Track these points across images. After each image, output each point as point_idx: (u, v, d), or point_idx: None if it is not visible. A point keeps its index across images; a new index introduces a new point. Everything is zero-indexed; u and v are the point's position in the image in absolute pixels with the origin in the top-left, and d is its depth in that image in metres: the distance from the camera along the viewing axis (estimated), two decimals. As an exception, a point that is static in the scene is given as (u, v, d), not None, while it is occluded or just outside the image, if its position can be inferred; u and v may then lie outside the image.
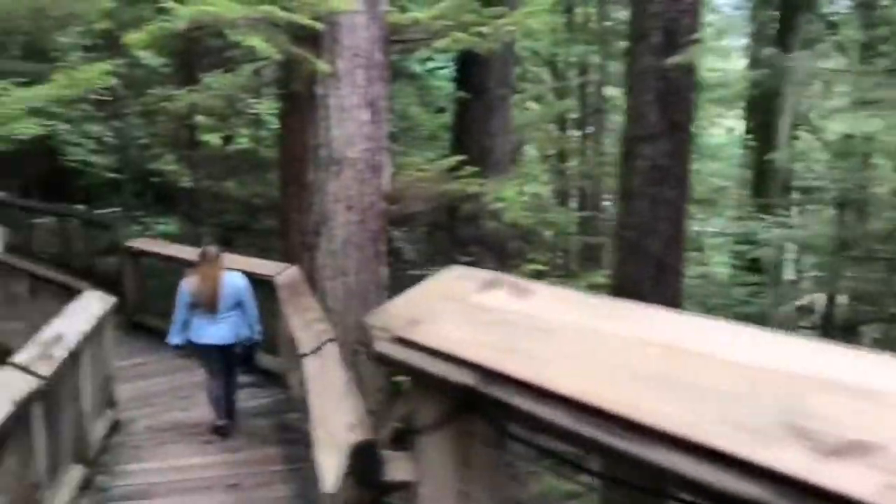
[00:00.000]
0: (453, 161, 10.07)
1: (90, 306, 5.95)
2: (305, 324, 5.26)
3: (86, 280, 11.41)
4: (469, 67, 11.43)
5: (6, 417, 3.81)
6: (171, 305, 9.12)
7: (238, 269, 8.11)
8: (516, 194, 9.80)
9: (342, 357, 4.99)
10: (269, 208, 19.75)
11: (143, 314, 9.78)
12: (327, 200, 8.62)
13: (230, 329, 6.24)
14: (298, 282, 6.87)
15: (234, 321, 6.27)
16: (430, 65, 15.69)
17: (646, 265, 8.22)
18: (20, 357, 4.42)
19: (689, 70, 8.38)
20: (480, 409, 1.37)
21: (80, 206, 16.99)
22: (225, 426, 6.36)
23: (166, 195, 20.93)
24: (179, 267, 8.94)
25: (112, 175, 20.41)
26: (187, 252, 8.99)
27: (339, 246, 8.70)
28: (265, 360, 7.85)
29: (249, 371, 7.91)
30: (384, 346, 1.42)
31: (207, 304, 6.15)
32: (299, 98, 8.51)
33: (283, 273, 7.36)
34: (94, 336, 5.80)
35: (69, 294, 7.02)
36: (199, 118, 18.18)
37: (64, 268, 13.28)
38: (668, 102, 8.20)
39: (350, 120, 8.58)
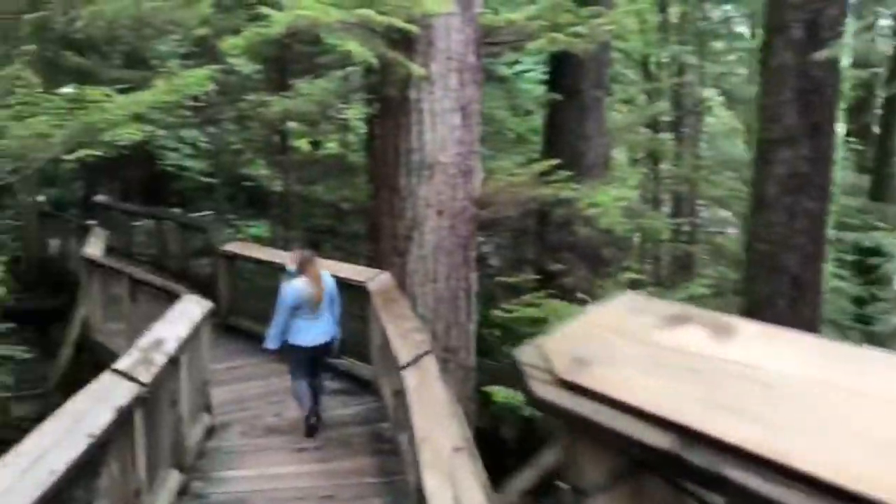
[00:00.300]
0: (545, 165, 9.79)
1: (189, 311, 5.96)
2: (402, 333, 5.10)
3: (181, 282, 11.68)
4: (562, 69, 11.12)
5: (109, 423, 3.78)
6: (264, 308, 9.18)
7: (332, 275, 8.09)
8: (612, 199, 9.42)
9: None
10: (356, 212, 19.92)
11: (236, 316, 9.87)
12: (418, 205, 8.49)
13: (328, 328, 6.37)
14: (392, 288, 6.74)
15: (329, 320, 6.39)
16: (518, 67, 15.43)
17: (781, 283, 7.65)
18: (122, 363, 4.41)
19: (832, 66, 7.79)
20: (664, 469, 1.12)
21: (176, 210, 17.48)
22: (317, 424, 6.46)
23: (257, 199, 21.37)
24: (272, 271, 8.98)
25: (206, 179, 20.98)
26: (280, 256, 9.02)
27: (430, 251, 8.56)
28: (356, 367, 7.77)
29: (338, 376, 7.85)
30: (544, 390, 1.20)
31: (312, 306, 6.22)
32: (391, 102, 8.41)
33: (375, 279, 7.25)
34: (192, 341, 5.80)
35: (167, 297, 7.09)
36: (291, 124, 18.52)
37: (160, 270, 13.66)
38: (808, 102, 7.61)
39: (442, 124, 8.44)
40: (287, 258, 6.89)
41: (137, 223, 16.32)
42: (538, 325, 9.40)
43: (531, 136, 12.45)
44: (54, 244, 16.14)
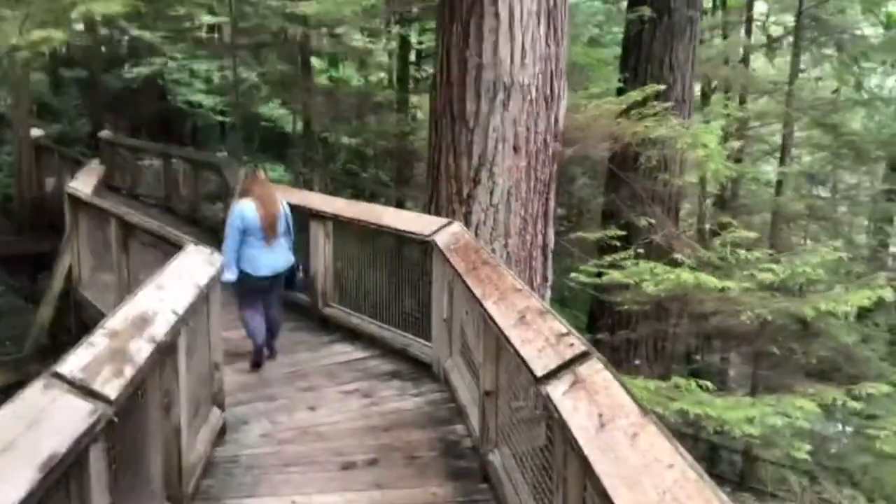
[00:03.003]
0: (637, 95, 7.76)
1: (193, 270, 4.04)
2: (519, 317, 3.21)
3: (191, 228, 9.77)
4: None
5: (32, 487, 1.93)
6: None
7: (378, 225, 6.16)
8: (718, 140, 7.42)
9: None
10: (382, 155, 17.92)
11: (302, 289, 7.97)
12: (489, 138, 6.49)
13: (284, 255, 5.79)
14: (473, 245, 4.80)
15: (285, 246, 5.80)
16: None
17: None
18: (72, 363, 2.52)
19: None
20: None
21: (188, 149, 15.48)
22: (265, 359, 5.80)
23: (274, 141, 19.40)
24: (299, 217, 7.10)
25: (220, 118, 19.00)
26: (308, 199, 7.09)
27: (501, 198, 6.59)
28: (413, 344, 5.89)
29: (389, 354, 6.00)
30: None
31: (269, 230, 5.57)
32: (461, 4, 6.36)
33: (442, 231, 5.30)
34: (196, 314, 3.91)
35: (169, 247, 5.17)
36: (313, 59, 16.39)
37: (168, 213, 11.74)
38: None
39: (523, 33, 6.40)
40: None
41: (144, 162, 14.33)
42: (625, 290, 7.49)
43: (601, 64, 10.28)
44: (51, 182, 14.17)
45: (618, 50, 10.92)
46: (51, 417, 2.24)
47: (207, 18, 17.34)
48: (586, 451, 2.22)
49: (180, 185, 12.38)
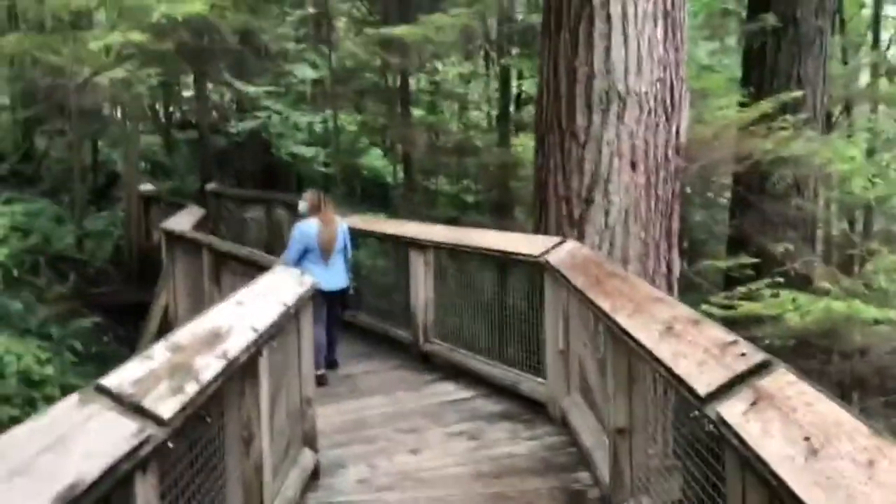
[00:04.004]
0: (767, 106, 6.99)
1: (279, 286, 3.61)
2: (665, 329, 2.56)
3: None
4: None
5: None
6: (390, 299, 7.01)
7: (483, 249, 5.62)
8: (860, 157, 6.53)
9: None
10: (481, 203, 17.56)
11: (352, 310, 7.57)
12: (603, 153, 5.88)
13: (342, 275, 5.98)
14: (595, 259, 4.17)
15: (342, 267, 6.01)
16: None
17: None
18: (119, 376, 2.07)
19: None
20: None
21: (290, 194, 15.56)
22: (325, 375, 5.79)
23: (375, 191, 19.42)
24: (399, 247, 6.67)
25: (322, 169, 19.20)
26: (409, 230, 6.65)
27: (618, 219, 5.93)
28: (523, 380, 5.25)
29: (498, 393, 5.37)
30: None
31: (325, 249, 5.83)
32: (569, 10, 5.87)
33: (556, 250, 4.69)
34: (282, 335, 3.46)
35: (258, 272, 4.80)
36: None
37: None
38: None
39: (639, 37, 5.82)
40: (304, 196, 6.18)
41: (249, 215, 14.48)
42: (762, 324, 6.60)
43: (718, 80, 9.49)
44: (159, 235, 14.46)
45: (732, 73, 10.16)
46: (84, 436, 1.77)
47: (309, 73, 17.70)
48: (797, 489, 1.54)
49: (283, 230, 12.29)
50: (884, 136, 10.31)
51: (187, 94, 23.34)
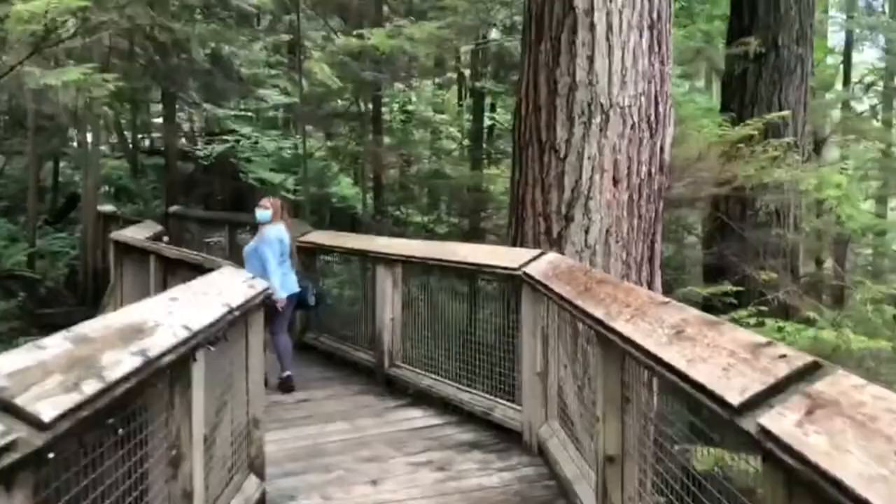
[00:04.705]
0: (748, 130, 6.73)
1: (224, 288, 3.13)
2: (674, 333, 2.14)
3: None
4: (750, 14, 8.08)
5: None
6: (350, 321, 6.63)
7: (456, 262, 5.20)
8: (849, 182, 6.27)
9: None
10: (453, 233, 17.20)
11: (313, 331, 7.07)
12: (584, 168, 5.53)
13: (295, 278, 5.92)
14: (581, 267, 3.76)
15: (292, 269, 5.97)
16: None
17: None
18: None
19: None
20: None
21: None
22: (291, 377, 5.74)
23: (344, 220, 18.99)
24: (365, 264, 6.23)
25: (291, 196, 18.75)
26: (376, 244, 6.21)
27: (598, 238, 5.56)
28: (497, 407, 4.78)
29: (467, 420, 4.90)
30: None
31: (291, 254, 5.88)
32: (549, 11, 5.55)
33: (536, 262, 4.28)
34: (225, 339, 2.97)
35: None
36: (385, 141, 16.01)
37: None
38: None
39: (623, 47, 5.52)
40: (263, 203, 6.00)
41: (211, 239, 13.92)
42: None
43: (697, 110, 9.27)
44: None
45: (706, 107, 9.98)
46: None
47: (280, 98, 17.37)
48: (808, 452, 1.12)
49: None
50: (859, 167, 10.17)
51: (157, 120, 22.95)
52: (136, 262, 6.24)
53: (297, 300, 5.91)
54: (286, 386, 5.68)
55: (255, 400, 3.53)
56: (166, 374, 2.25)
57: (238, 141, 17.66)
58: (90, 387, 1.72)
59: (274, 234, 5.70)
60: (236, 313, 2.95)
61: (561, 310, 3.66)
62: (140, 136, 24.31)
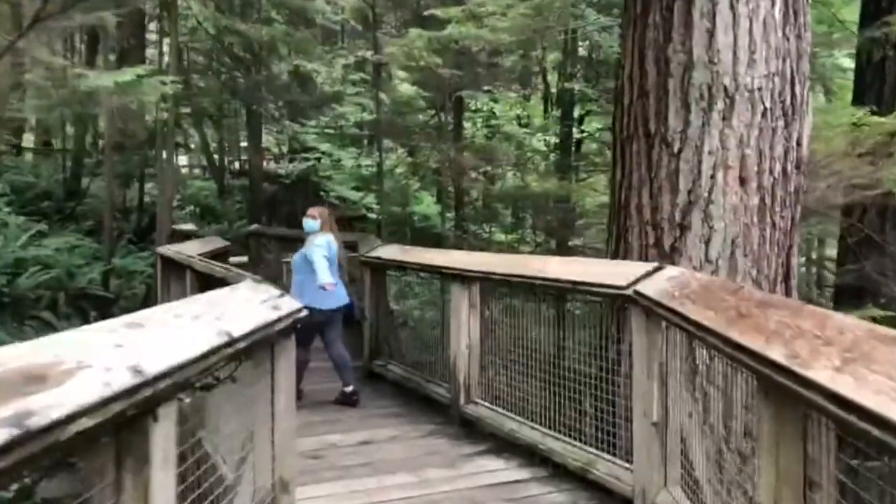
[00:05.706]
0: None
1: (228, 310, 2.27)
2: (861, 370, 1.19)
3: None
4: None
5: None
6: (424, 347, 5.80)
7: (544, 279, 4.23)
8: None
9: None
10: (537, 254, 16.23)
11: (382, 357, 6.23)
12: (703, 163, 4.49)
13: (344, 290, 5.67)
14: (722, 285, 2.76)
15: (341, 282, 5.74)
16: None
17: None
18: None
19: None
20: None
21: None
22: (303, 390, 5.35)
23: (426, 239, 18.35)
24: (444, 282, 5.36)
25: (370, 215, 18.26)
26: (453, 257, 5.31)
27: (722, 251, 4.48)
28: (602, 466, 3.75)
29: (563, 476, 3.90)
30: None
31: (341, 264, 5.71)
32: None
33: (651, 278, 3.27)
34: (230, 382, 2.13)
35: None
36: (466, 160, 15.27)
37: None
38: None
39: (751, 17, 4.47)
40: (311, 213, 5.82)
41: (286, 259, 13.43)
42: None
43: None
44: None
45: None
46: None
47: (361, 115, 16.96)
48: None
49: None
50: None
51: (244, 144, 23.24)
52: (177, 277, 5.58)
53: (346, 313, 5.70)
54: (350, 401, 5.49)
55: (285, 457, 2.67)
56: (90, 447, 1.40)
57: (319, 159, 17.35)
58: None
59: (324, 241, 5.56)
60: (241, 345, 2.09)
61: (696, 342, 2.65)
62: (229, 158, 24.64)
